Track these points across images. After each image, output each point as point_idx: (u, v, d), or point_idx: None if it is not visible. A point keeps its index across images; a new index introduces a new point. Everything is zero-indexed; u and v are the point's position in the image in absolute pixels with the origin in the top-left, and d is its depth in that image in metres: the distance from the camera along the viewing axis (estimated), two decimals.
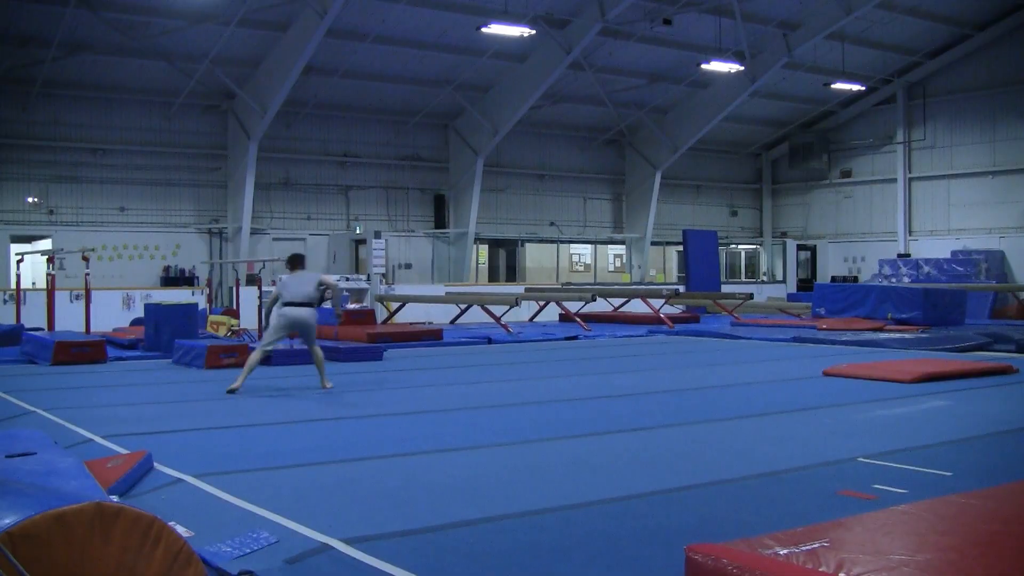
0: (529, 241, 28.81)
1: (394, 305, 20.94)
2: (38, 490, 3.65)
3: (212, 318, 16.34)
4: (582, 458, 6.29)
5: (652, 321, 20.22)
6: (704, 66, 24.53)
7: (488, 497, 5.18)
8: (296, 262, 10.29)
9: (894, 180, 30.60)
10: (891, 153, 30.71)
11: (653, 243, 30.27)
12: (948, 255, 27.57)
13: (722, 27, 23.70)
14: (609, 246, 31.05)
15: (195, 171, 23.76)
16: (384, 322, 19.92)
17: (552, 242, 28.82)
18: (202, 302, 19.09)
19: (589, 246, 30.34)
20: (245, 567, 3.90)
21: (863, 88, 29.05)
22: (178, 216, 23.56)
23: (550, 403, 9.04)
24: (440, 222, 27.05)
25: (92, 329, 15.21)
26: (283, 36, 21.02)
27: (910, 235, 30.33)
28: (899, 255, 29.28)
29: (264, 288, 18.10)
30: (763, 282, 31.46)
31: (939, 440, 6.76)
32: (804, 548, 3.35)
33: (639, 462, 6.14)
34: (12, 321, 16.21)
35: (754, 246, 33.69)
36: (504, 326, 18.45)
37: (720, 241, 29.22)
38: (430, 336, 16.56)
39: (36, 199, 21.84)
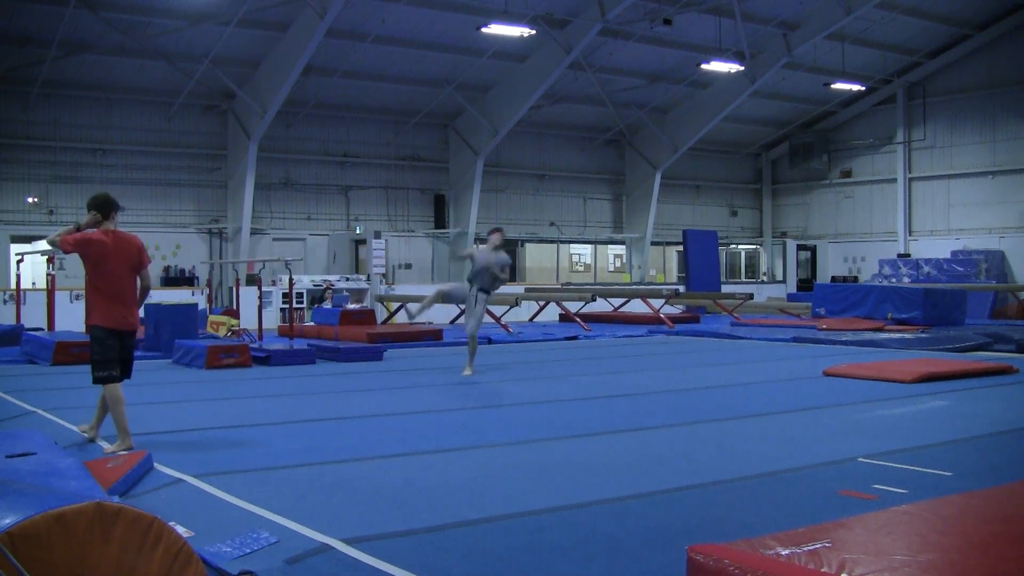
0: (529, 241, 28.81)
1: (394, 305, 20.94)
2: (38, 490, 3.64)
3: (212, 318, 16.35)
4: (582, 458, 6.29)
5: (652, 321, 20.22)
6: (704, 66, 24.55)
7: (488, 497, 5.17)
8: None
9: (894, 180, 30.61)
10: (891, 153, 30.72)
11: (653, 243, 30.27)
12: (948, 255, 27.57)
13: (722, 27, 23.71)
14: (609, 246, 31.06)
15: (195, 171, 23.76)
16: (384, 322, 19.92)
17: (552, 242, 28.82)
18: (202, 302, 19.09)
19: (589, 246, 30.35)
20: (245, 567, 3.90)
21: (863, 88, 29.07)
22: (178, 216, 23.56)
23: (550, 403, 9.04)
24: (440, 222, 27.05)
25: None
26: (283, 36, 21.03)
27: (910, 235, 30.34)
28: (899, 255, 29.29)
29: (264, 288, 18.12)
30: (763, 282, 31.45)
31: (939, 440, 6.76)
32: (806, 548, 3.35)
33: (639, 462, 6.14)
34: (12, 321, 16.21)
35: (754, 246, 33.69)
36: (504, 326, 18.45)
37: (720, 241, 29.22)
38: (430, 336, 16.57)
39: (36, 199, 21.84)
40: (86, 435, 6.89)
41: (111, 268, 6.57)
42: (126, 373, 6.77)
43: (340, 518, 4.65)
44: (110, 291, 6.57)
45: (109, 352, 6.54)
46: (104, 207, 6.66)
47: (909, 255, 29.23)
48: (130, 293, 6.71)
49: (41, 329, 15.57)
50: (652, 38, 24.24)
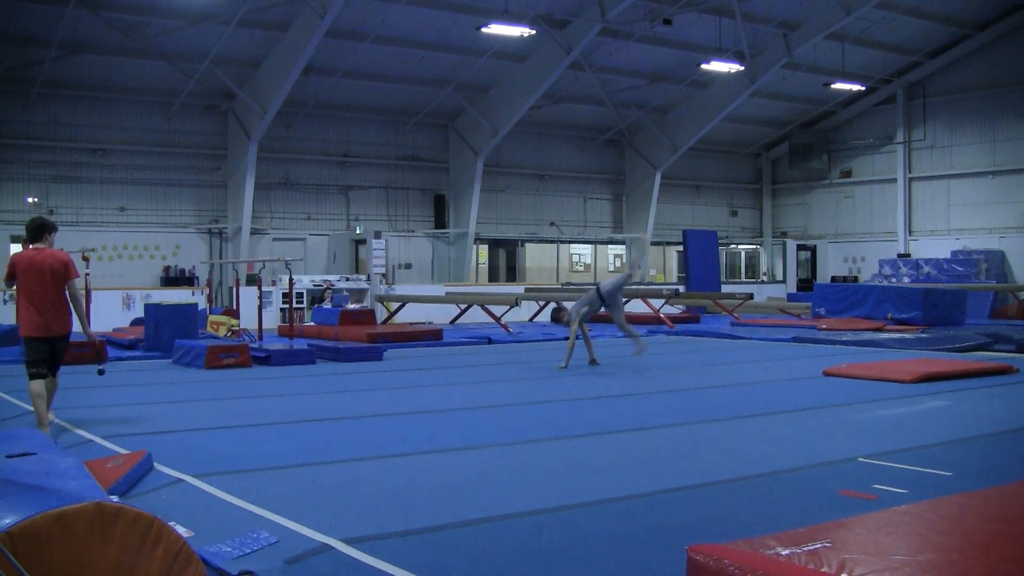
0: (529, 241, 28.80)
1: (394, 305, 20.94)
2: (38, 490, 3.64)
3: (212, 318, 16.34)
4: (582, 458, 6.29)
5: (652, 321, 20.22)
6: (704, 66, 24.54)
7: (488, 497, 5.17)
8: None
9: (894, 180, 30.61)
10: (891, 153, 30.71)
11: (653, 243, 30.26)
12: (948, 255, 27.57)
13: (722, 27, 23.70)
14: (609, 246, 31.05)
15: (195, 171, 23.76)
16: (384, 322, 19.92)
17: (552, 242, 28.81)
18: (202, 302, 19.09)
19: (589, 246, 30.34)
20: (245, 567, 3.90)
21: (863, 88, 29.06)
22: (178, 216, 23.56)
23: (550, 403, 9.03)
24: (440, 222, 27.05)
25: (92, 329, 15.18)
26: (283, 36, 21.02)
27: (910, 235, 30.34)
28: (899, 255, 29.28)
29: (264, 288, 18.12)
30: (763, 282, 31.45)
31: (939, 440, 6.76)
32: (806, 548, 3.35)
33: (639, 462, 6.14)
34: (12, 321, 16.20)
35: (754, 246, 33.68)
36: (504, 326, 18.45)
37: (720, 241, 29.21)
38: (430, 336, 16.56)
39: (36, 199, 21.84)
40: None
41: (31, 284, 7.36)
42: (55, 370, 7.62)
43: (340, 518, 4.65)
44: (31, 303, 7.39)
45: (35, 355, 7.41)
46: (33, 232, 7.54)
47: (909, 255, 29.23)
48: (53, 304, 7.42)
49: None
50: (652, 38, 24.24)
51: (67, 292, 7.49)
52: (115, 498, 4.81)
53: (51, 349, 7.47)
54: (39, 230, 7.53)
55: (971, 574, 3.21)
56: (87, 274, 15.47)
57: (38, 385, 7.32)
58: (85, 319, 7.91)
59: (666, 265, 31.64)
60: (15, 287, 7.63)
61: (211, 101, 23.44)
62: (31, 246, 7.49)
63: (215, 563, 3.92)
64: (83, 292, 8.43)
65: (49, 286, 7.36)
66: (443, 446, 6.67)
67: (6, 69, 20.40)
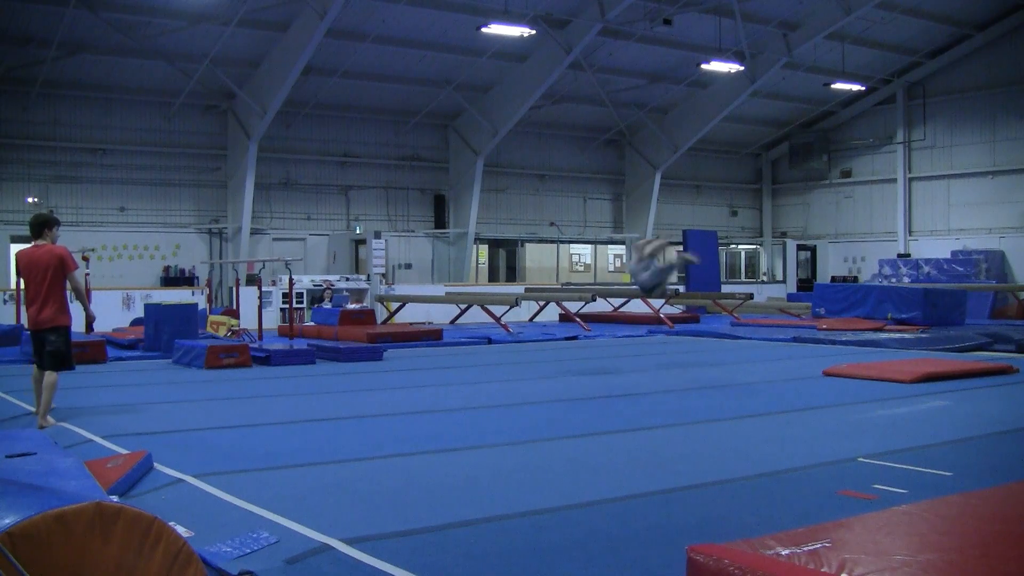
0: (529, 241, 28.80)
1: (394, 305, 20.93)
2: (38, 490, 3.64)
3: (212, 318, 16.33)
4: (582, 458, 6.29)
5: (652, 321, 20.22)
6: (704, 66, 24.54)
7: (488, 497, 5.17)
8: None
9: (894, 180, 30.60)
10: (891, 153, 30.71)
11: None
12: (948, 255, 27.57)
13: (722, 27, 23.70)
14: (609, 246, 31.05)
15: (195, 171, 23.76)
16: (384, 322, 19.92)
17: (552, 242, 28.81)
18: (202, 302, 19.09)
19: (589, 246, 30.33)
20: (245, 567, 3.90)
21: (863, 88, 29.07)
22: (178, 216, 23.56)
23: (550, 403, 9.03)
24: (440, 222, 27.05)
25: (92, 329, 15.18)
26: (283, 36, 21.02)
27: (910, 235, 30.33)
28: (899, 255, 29.28)
29: (264, 288, 18.11)
30: (763, 282, 31.43)
31: (939, 440, 6.76)
32: (806, 548, 3.35)
33: (639, 462, 6.14)
34: (12, 321, 16.20)
35: (754, 246, 33.68)
36: (504, 326, 18.45)
37: (720, 241, 29.20)
38: (430, 336, 16.56)
39: (36, 199, 21.84)
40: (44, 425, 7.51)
41: (29, 280, 7.73)
42: (54, 364, 7.71)
43: (340, 518, 4.65)
44: (27, 298, 7.81)
45: (32, 346, 7.91)
46: (35, 228, 7.86)
47: (909, 255, 29.23)
48: (45, 299, 7.67)
49: None
50: (652, 38, 24.24)
51: (68, 285, 7.77)
52: (115, 498, 4.81)
53: (42, 341, 7.77)
54: (40, 226, 7.84)
55: (971, 574, 3.21)
56: (87, 274, 15.47)
57: (35, 371, 7.90)
58: (87, 302, 8.29)
59: None
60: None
61: (211, 101, 23.44)
62: (33, 243, 7.81)
63: (215, 563, 3.92)
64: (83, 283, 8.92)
65: (45, 281, 7.65)
66: (443, 446, 6.67)
67: (6, 69, 20.41)
